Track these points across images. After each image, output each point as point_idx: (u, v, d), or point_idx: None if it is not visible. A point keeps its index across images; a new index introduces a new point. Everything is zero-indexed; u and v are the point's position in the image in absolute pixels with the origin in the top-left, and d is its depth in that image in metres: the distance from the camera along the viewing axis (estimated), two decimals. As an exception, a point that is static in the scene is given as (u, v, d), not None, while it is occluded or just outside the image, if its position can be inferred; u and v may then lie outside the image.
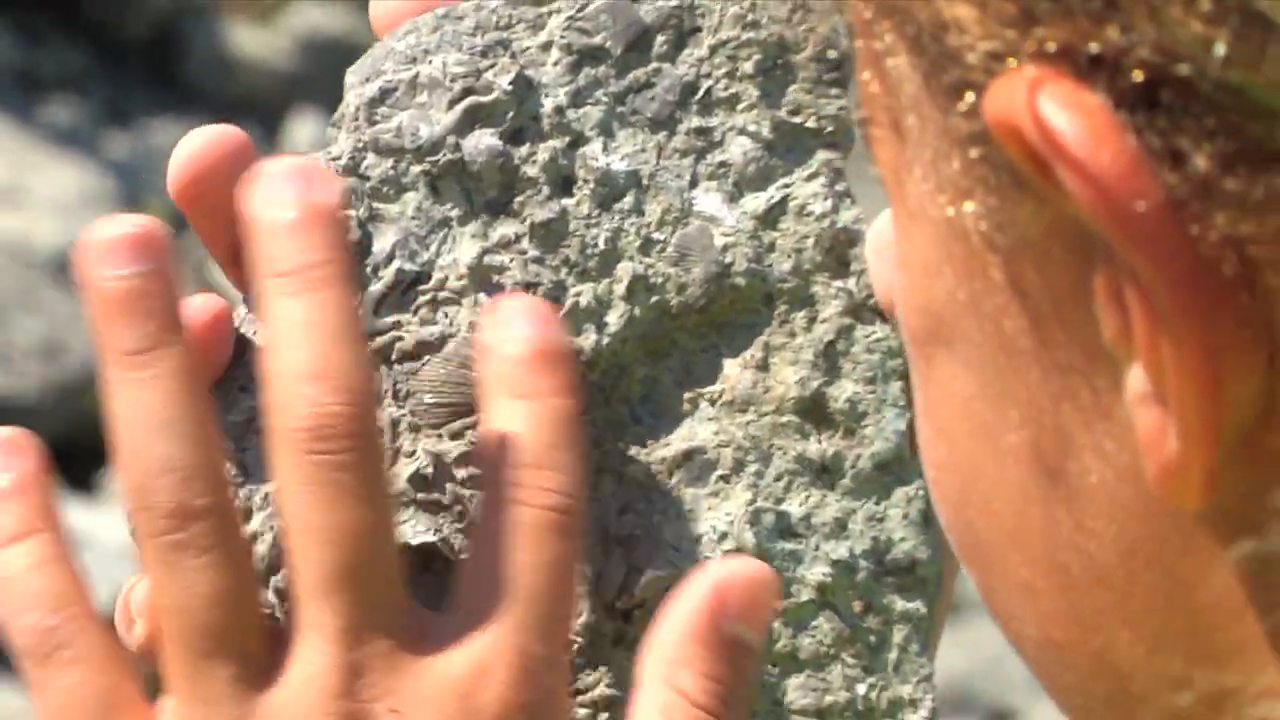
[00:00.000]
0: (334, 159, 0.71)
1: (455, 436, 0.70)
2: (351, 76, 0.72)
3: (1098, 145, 0.44)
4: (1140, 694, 0.50)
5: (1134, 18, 0.44)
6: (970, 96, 0.47)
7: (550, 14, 0.72)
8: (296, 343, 0.65)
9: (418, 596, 0.68)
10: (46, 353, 4.81)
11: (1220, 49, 0.42)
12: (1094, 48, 0.44)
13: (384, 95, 0.71)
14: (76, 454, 4.71)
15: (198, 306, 0.69)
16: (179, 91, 6.03)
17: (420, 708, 0.64)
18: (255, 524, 0.70)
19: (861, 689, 0.70)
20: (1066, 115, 0.44)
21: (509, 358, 0.67)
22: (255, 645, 0.65)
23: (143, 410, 0.65)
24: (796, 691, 0.70)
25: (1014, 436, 0.50)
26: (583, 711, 0.70)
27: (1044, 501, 0.50)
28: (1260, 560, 0.47)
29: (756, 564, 0.67)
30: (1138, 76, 0.44)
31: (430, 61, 0.72)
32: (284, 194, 0.65)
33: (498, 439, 0.67)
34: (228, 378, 0.70)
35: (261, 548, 0.69)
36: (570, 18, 0.71)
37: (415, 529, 0.69)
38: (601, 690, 0.70)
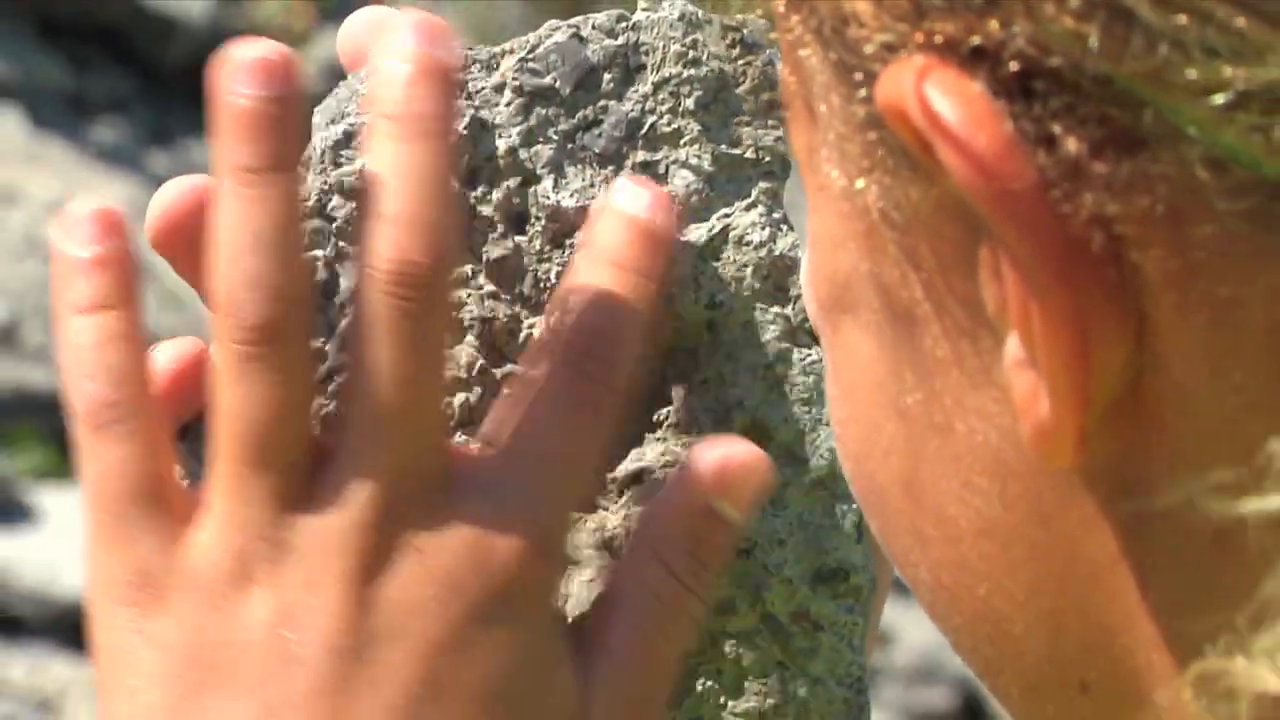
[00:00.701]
0: (302, 201, 0.67)
1: None
2: (317, 118, 0.70)
3: (976, 128, 0.44)
4: (1020, 635, 0.50)
5: (1012, 13, 0.43)
6: (866, 82, 0.47)
7: (504, 54, 0.70)
8: (396, 188, 0.62)
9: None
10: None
11: (1093, 42, 0.42)
12: (975, 40, 0.44)
13: (348, 138, 0.69)
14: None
15: (177, 345, 0.69)
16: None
17: (440, 552, 0.62)
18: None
19: (801, 691, 0.69)
20: (948, 100, 0.44)
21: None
22: (303, 464, 0.63)
23: (248, 225, 0.62)
24: (743, 699, 0.69)
25: (908, 397, 0.50)
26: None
27: (935, 458, 0.50)
28: (1135, 517, 0.47)
29: (753, 449, 0.66)
30: (1014, 67, 0.44)
31: None
32: (406, 45, 0.63)
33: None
34: (208, 414, 0.66)
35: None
36: (521, 59, 0.70)
37: None
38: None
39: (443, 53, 0.63)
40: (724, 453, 0.65)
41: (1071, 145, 0.43)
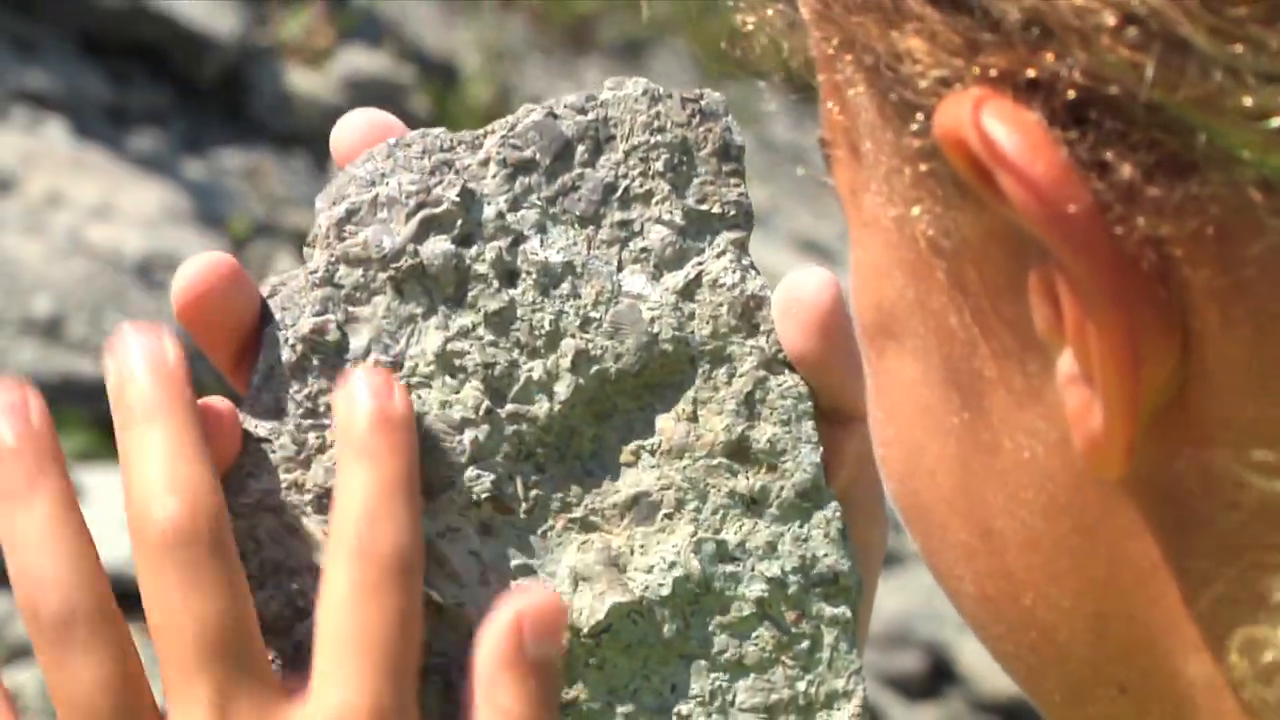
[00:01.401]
0: (312, 273, 0.70)
1: (433, 498, 0.69)
2: (320, 202, 0.71)
3: (1034, 155, 0.43)
4: (1065, 641, 0.49)
5: (1068, 45, 0.42)
6: (921, 116, 0.46)
7: (486, 135, 0.71)
8: (146, 464, 0.64)
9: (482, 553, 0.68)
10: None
11: (1149, 72, 0.41)
12: (1031, 72, 0.43)
13: (350, 215, 0.70)
14: (159, 429, 4.69)
15: (211, 407, 0.68)
16: (245, 124, 6.01)
17: None
18: (267, 590, 0.68)
19: (801, 686, 0.69)
20: (1006, 129, 0.43)
21: (352, 424, 0.65)
22: None
23: (28, 534, 0.64)
24: (745, 693, 0.69)
25: (955, 418, 0.49)
26: None
27: (982, 475, 0.49)
28: (1178, 524, 0.46)
29: (546, 591, 0.66)
30: (1070, 96, 0.43)
31: (387, 183, 0.71)
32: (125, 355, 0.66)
33: (339, 499, 0.65)
34: (235, 466, 0.69)
35: (274, 606, 0.68)
36: (503, 136, 0.71)
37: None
38: (583, 700, 0.68)
39: (155, 356, 0.66)
40: (518, 607, 0.64)
41: (1125, 170, 0.43)
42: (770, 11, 0.53)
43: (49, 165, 5.27)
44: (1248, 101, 0.40)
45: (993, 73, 0.44)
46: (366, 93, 6.22)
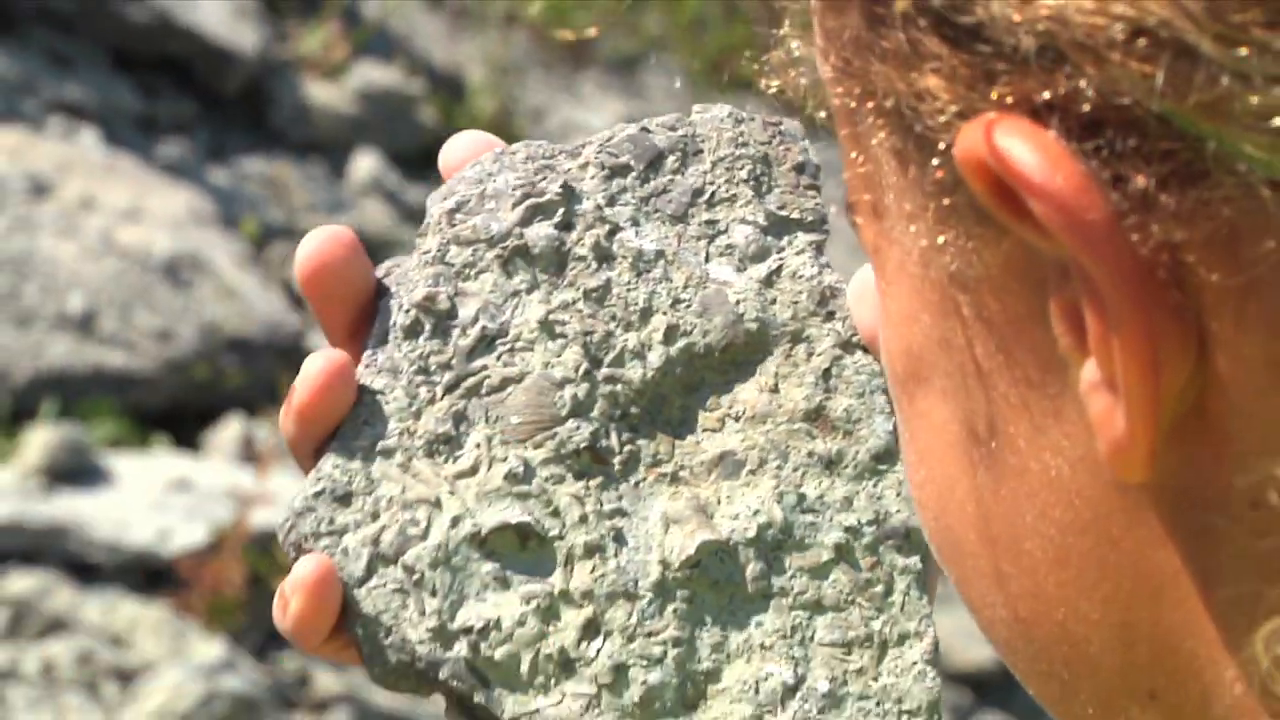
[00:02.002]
0: (424, 253, 0.73)
1: (537, 446, 0.71)
2: (430, 200, 0.73)
3: (1053, 169, 0.42)
4: (1095, 653, 0.48)
5: (1080, 64, 0.42)
6: (941, 148, 0.45)
7: (584, 145, 0.74)
8: None
9: (520, 562, 0.69)
10: (161, 337, 4.79)
11: (1159, 81, 0.40)
12: (1046, 94, 0.42)
13: (460, 206, 0.73)
14: (183, 416, 4.70)
15: (323, 358, 0.69)
16: (266, 133, 6.01)
17: None
18: (383, 519, 0.70)
19: (876, 625, 0.70)
20: (1026, 146, 0.42)
21: None
22: None
23: None
24: (824, 630, 0.70)
25: (983, 448, 0.48)
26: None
27: (1010, 499, 0.48)
28: (1198, 528, 0.45)
29: None
30: (1084, 111, 0.42)
31: (494, 180, 0.73)
32: None
33: None
34: (352, 415, 0.71)
35: (388, 536, 0.70)
36: (600, 145, 0.74)
37: (511, 511, 0.71)
38: (671, 630, 0.70)
39: None
40: None
41: (1140, 180, 0.42)
42: (793, 73, 0.53)
43: (83, 171, 5.26)
44: (1255, 102, 0.40)
45: (1009, 100, 0.43)
46: (379, 104, 6.22)
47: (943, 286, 0.48)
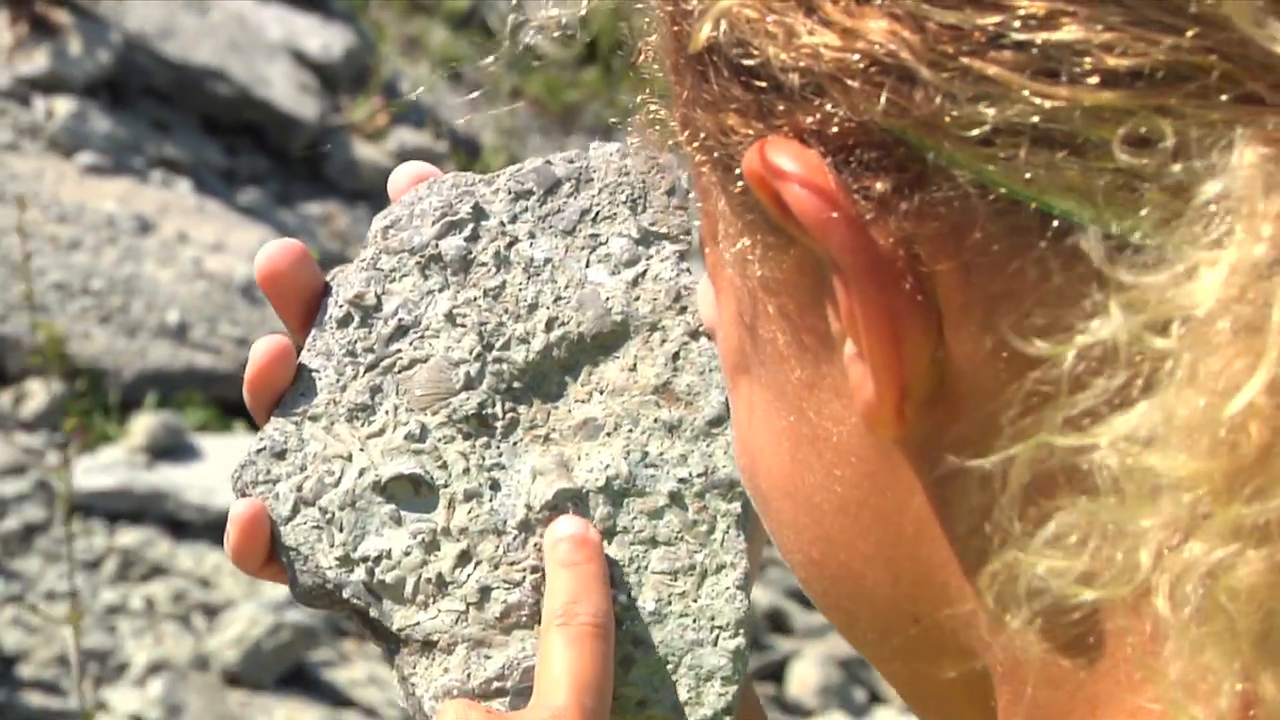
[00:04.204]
0: (361, 261, 0.72)
1: (434, 413, 0.71)
2: (374, 219, 0.74)
3: (810, 177, 0.42)
4: (871, 585, 0.47)
5: (832, 93, 0.41)
6: (739, 173, 0.44)
7: (499, 175, 0.74)
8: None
9: (412, 505, 0.70)
10: (240, 343, 4.78)
11: (882, 102, 0.40)
12: (808, 120, 0.42)
13: (393, 223, 0.73)
14: (258, 406, 4.68)
15: (268, 342, 0.70)
16: (323, 184, 5.99)
17: None
18: (308, 471, 0.70)
19: (699, 558, 0.70)
20: (790, 160, 0.42)
21: (558, 542, 0.68)
22: None
23: None
24: (657, 561, 0.70)
25: (782, 422, 0.47)
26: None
27: (804, 462, 0.47)
28: (943, 477, 0.44)
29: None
30: (835, 132, 0.41)
31: (422, 202, 0.73)
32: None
33: (552, 593, 0.67)
34: (292, 389, 0.71)
35: (310, 484, 0.70)
36: (511, 174, 0.74)
37: (406, 464, 0.70)
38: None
39: None
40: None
41: (879, 186, 0.41)
42: (650, 132, 0.52)
43: (178, 213, 5.25)
44: (959, 116, 0.39)
45: (785, 128, 0.42)
46: (411, 160, 6.21)
47: (754, 291, 0.47)
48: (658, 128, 0.50)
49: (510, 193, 0.73)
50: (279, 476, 0.71)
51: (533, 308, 0.72)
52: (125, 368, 4.59)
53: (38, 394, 4.33)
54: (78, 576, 3.73)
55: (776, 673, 4.28)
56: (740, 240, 0.46)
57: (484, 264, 0.72)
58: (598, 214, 0.73)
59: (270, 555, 0.70)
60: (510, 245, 0.73)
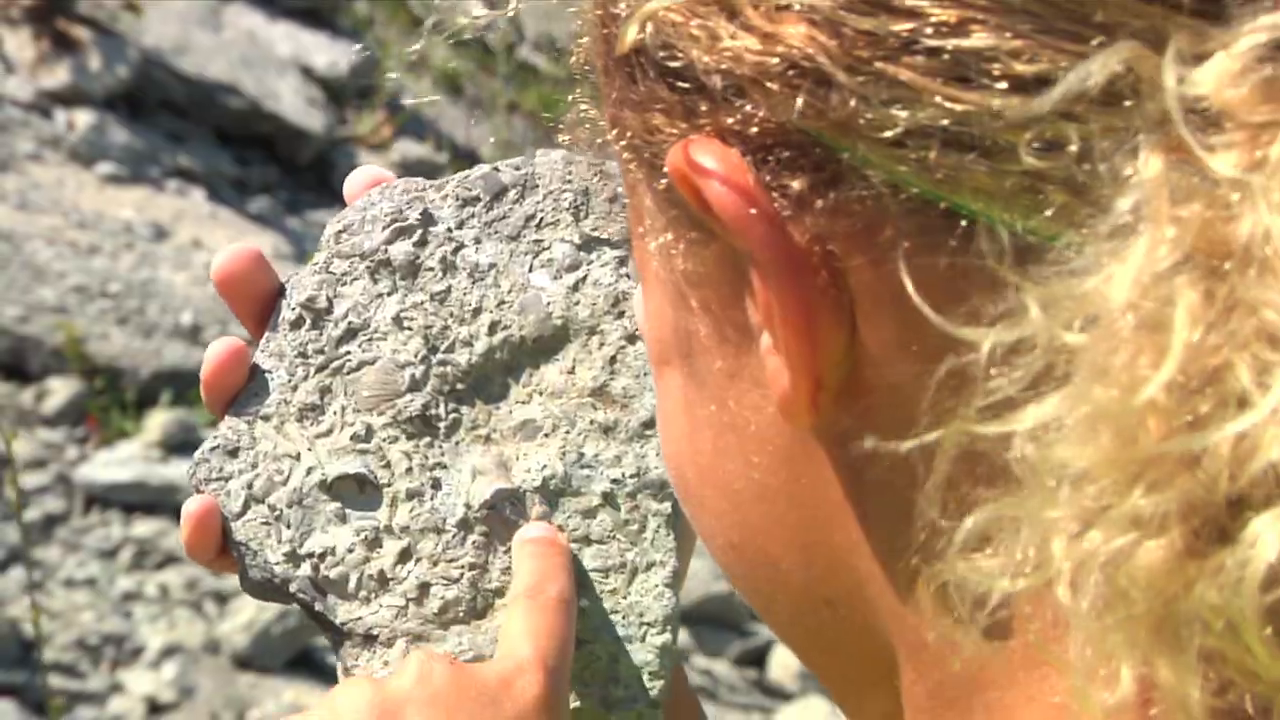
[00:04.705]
0: (315, 264, 0.71)
1: (380, 414, 0.70)
2: (328, 223, 0.72)
3: (730, 175, 0.41)
4: (787, 569, 0.46)
5: (753, 95, 0.40)
6: (665, 171, 0.43)
7: (448, 181, 0.72)
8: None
9: (356, 503, 0.69)
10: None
11: (799, 104, 0.39)
12: (730, 120, 0.41)
13: (345, 228, 0.72)
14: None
15: (223, 344, 0.69)
16: (329, 193, 5.98)
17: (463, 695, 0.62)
18: (259, 469, 0.70)
19: (630, 555, 0.69)
20: (711, 159, 0.41)
21: (525, 543, 0.68)
22: None
23: None
24: (590, 558, 0.69)
25: (704, 411, 0.46)
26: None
27: (724, 451, 0.46)
28: (855, 465, 0.43)
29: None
30: (755, 132, 0.40)
31: (374, 208, 0.72)
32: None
33: (519, 576, 0.66)
34: (247, 389, 0.70)
35: (260, 482, 0.70)
36: (459, 181, 0.72)
37: (351, 464, 0.69)
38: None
39: None
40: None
41: (796, 185, 0.40)
42: (579, 130, 0.51)
43: (193, 220, 5.24)
44: (873, 118, 0.38)
45: (708, 128, 0.42)
46: (414, 172, 6.20)
47: (677, 285, 0.46)
48: (588, 127, 0.50)
49: (458, 199, 0.72)
50: (231, 474, 0.70)
51: (477, 312, 0.71)
52: (141, 367, 4.58)
53: (58, 391, 4.32)
54: (94, 565, 3.72)
55: (758, 658, 4.28)
56: (664, 235, 0.45)
57: (431, 269, 0.71)
58: (542, 220, 0.72)
59: (222, 548, 0.69)
60: (456, 250, 0.71)
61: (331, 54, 6.43)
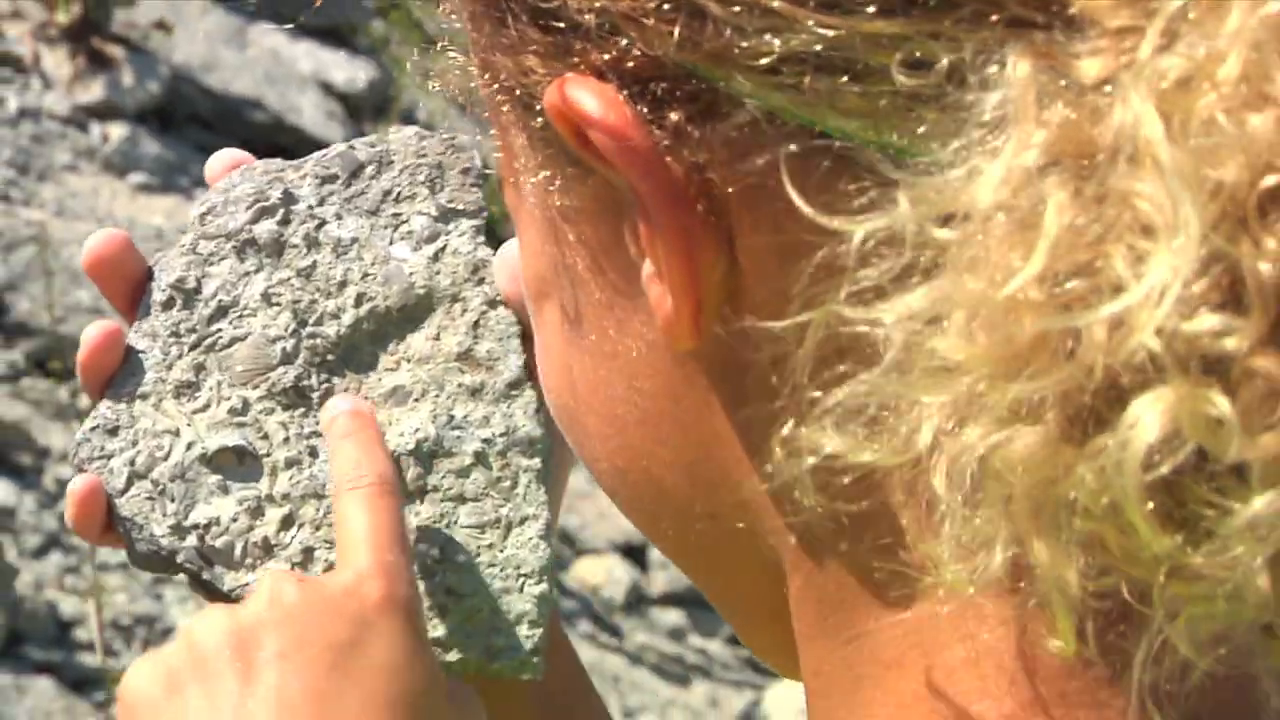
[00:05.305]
0: (182, 246, 0.70)
1: (254, 387, 0.69)
2: (193, 206, 0.71)
3: (607, 109, 0.40)
4: (670, 487, 0.46)
5: (627, 31, 0.39)
6: (539, 109, 0.42)
7: (306, 161, 0.71)
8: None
9: (237, 474, 0.68)
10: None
11: (675, 36, 0.38)
12: (605, 56, 0.40)
13: (209, 210, 0.71)
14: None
15: (96, 327, 0.68)
16: (348, 201, 5.99)
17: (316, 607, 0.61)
18: (139, 446, 0.69)
19: (504, 511, 0.68)
20: (588, 94, 0.40)
21: (336, 419, 0.67)
22: None
23: None
24: (466, 516, 0.68)
25: (584, 341, 0.46)
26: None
27: (606, 377, 0.45)
28: (733, 385, 0.42)
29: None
30: (631, 67, 0.40)
31: (236, 189, 0.71)
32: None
33: (336, 462, 0.66)
34: (122, 370, 0.70)
35: (141, 458, 0.69)
36: (317, 160, 0.71)
37: (230, 437, 0.69)
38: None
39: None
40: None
41: (674, 116, 0.39)
42: (450, 77, 0.50)
43: (219, 226, 5.24)
44: (747, 47, 0.37)
45: (582, 66, 0.41)
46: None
47: (554, 221, 0.45)
48: (457, 73, 0.49)
49: (317, 177, 0.71)
50: (113, 452, 0.69)
51: (342, 285, 0.70)
52: (171, 364, 4.58)
53: (93, 387, 4.32)
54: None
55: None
56: (540, 173, 0.44)
57: (295, 245, 0.70)
58: (399, 194, 0.71)
59: (108, 525, 0.69)
60: (319, 227, 0.70)
61: (349, 71, 6.44)
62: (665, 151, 0.40)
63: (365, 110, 6.48)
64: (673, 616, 4.33)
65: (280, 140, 5.91)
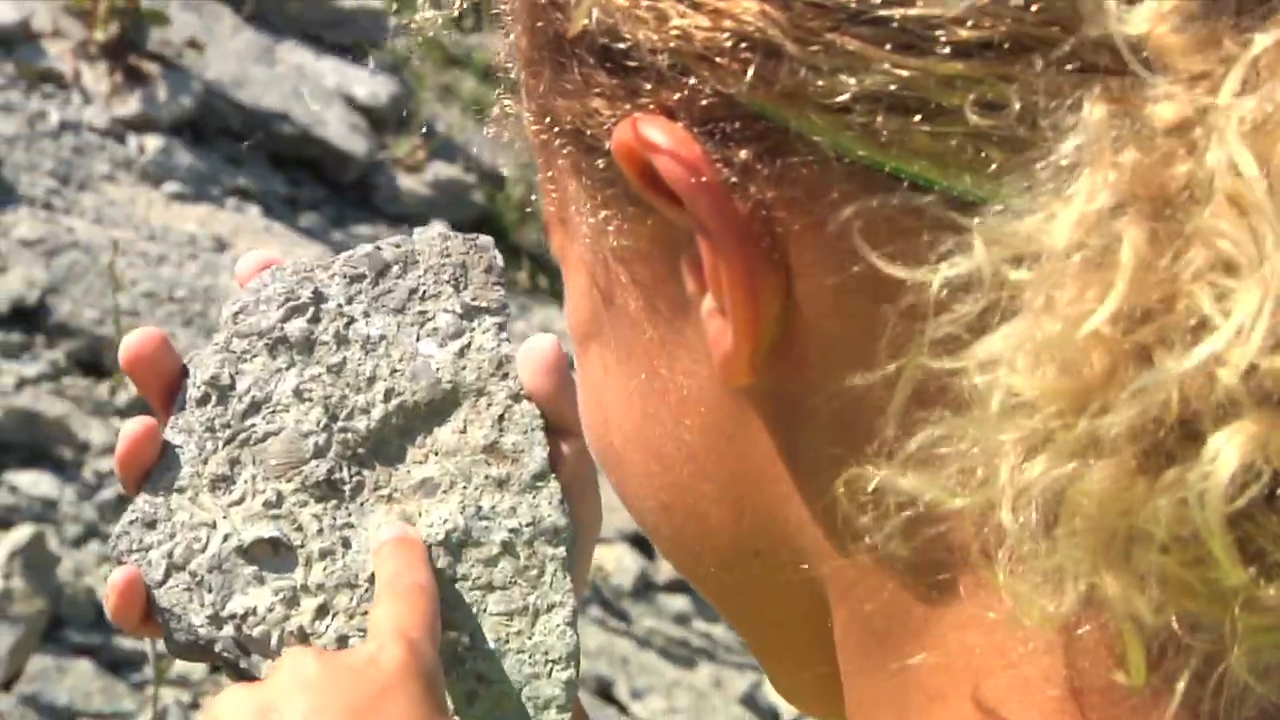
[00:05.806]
0: (215, 344, 0.69)
1: (288, 480, 0.68)
2: (224, 306, 0.71)
3: (678, 146, 0.39)
4: (715, 525, 0.44)
5: (699, 70, 0.38)
6: (604, 150, 0.41)
7: (334, 261, 0.71)
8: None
9: (272, 565, 0.67)
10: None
11: (748, 75, 0.37)
12: (676, 96, 0.39)
13: (242, 309, 0.70)
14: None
15: (135, 422, 0.67)
16: (371, 210, 5.99)
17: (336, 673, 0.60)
18: (177, 538, 0.68)
19: (531, 599, 0.67)
20: (659, 132, 0.39)
21: (382, 545, 0.66)
22: None
23: None
24: (494, 604, 0.68)
25: (635, 380, 0.45)
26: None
27: (655, 415, 0.44)
28: (787, 424, 0.41)
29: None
30: (703, 104, 0.39)
31: (267, 289, 0.70)
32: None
33: (380, 575, 0.65)
34: (158, 465, 0.68)
35: (179, 550, 0.68)
36: (344, 260, 0.71)
37: (265, 529, 0.68)
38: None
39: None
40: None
41: (742, 154, 0.38)
42: (505, 124, 0.49)
43: (249, 234, 5.25)
44: (822, 87, 0.36)
45: (651, 106, 0.40)
46: (445, 190, 6.22)
47: (607, 262, 0.44)
48: (511, 120, 0.48)
49: (345, 277, 0.70)
50: (151, 544, 0.68)
51: (371, 380, 0.69)
52: (204, 364, 4.58)
53: (130, 386, 4.33)
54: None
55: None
56: (600, 213, 0.43)
57: (325, 343, 0.69)
58: (424, 293, 0.70)
59: (147, 615, 0.67)
60: (348, 325, 0.70)
61: (372, 86, 6.44)
62: (732, 189, 0.39)
63: (388, 123, 6.48)
64: (679, 602, 4.33)
65: (307, 152, 5.92)
